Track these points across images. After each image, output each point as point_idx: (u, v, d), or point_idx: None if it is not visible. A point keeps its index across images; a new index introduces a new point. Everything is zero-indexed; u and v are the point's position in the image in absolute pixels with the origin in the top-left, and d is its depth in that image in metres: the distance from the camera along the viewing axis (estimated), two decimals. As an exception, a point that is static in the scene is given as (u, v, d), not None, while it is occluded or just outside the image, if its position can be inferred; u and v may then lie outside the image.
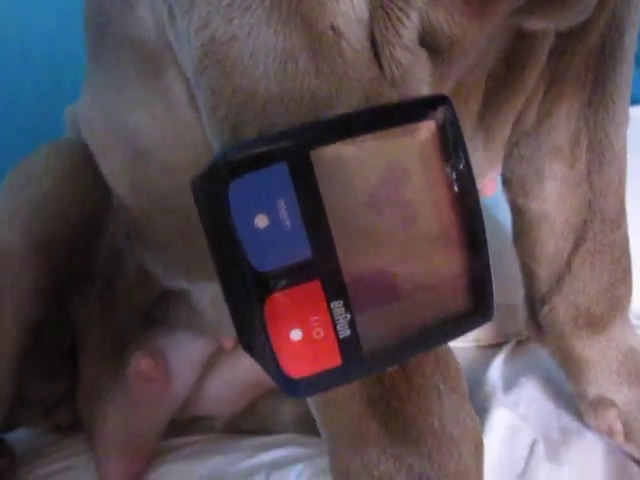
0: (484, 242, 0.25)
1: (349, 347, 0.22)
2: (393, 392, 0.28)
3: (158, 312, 0.55)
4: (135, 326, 0.54)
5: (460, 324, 0.25)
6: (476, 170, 0.40)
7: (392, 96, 0.26)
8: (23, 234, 0.48)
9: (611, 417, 0.47)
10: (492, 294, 0.25)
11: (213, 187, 0.21)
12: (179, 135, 0.40)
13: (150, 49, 0.40)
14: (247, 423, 0.57)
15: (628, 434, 0.47)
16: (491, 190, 0.46)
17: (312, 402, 0.30)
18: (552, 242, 0.46)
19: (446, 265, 0.24)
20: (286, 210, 0.21)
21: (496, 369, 0.57)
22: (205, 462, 0.52)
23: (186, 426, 0.58)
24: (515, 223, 0.48)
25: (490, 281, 0.25)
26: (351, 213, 0.22)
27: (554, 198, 0.44)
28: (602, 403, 0.47)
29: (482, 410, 0.51)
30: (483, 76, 0.36)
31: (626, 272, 0.46)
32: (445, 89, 0.33)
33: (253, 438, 0.56)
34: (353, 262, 0.22)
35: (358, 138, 0.21)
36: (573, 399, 0.50)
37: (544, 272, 0.47)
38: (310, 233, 0.21)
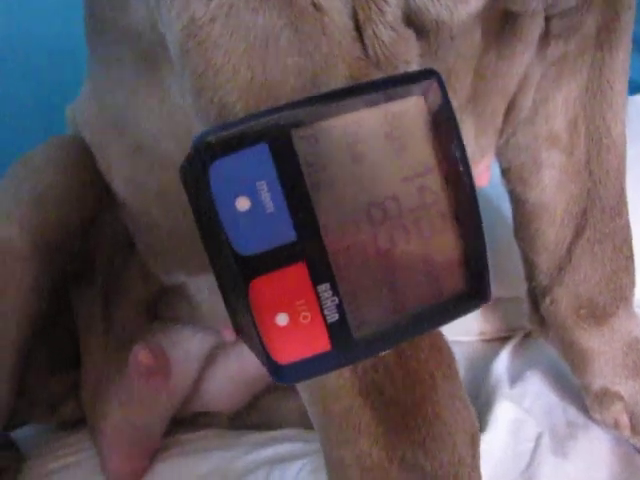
0: (479, 224, 0.24)
1: (338, 332, 0.22)
2: (387, 379, 0.28)
3: (159, 308, 0.55)
4: (136, 322, 0.54)
5: (455, 307, 0.24)
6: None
7: (378, 77, 0.25)
8: (23, 228, 0.48)
9: (617, 410, 0.46)
10: (488, 276, 0.25)
11: (195, 170, 0.21)
12: (175, 127, 0.40)
13: (145, 42, 0.40)
14: (251, 418, 0.57)
15: (635, 427, 0.46)
16: (485, 179, 0.46)
17: (303, 391, 0.30)
18: (552, 232, 0.45)
19: (440, 246, 0.24)
20: (268, 192, 0.20)
21: (501, 363, 0.56)
22: (207, 458, 0.52)
23: (190, 422, 0.57)
24: (515, 214, 0.47)
25: (486, 263, 0.25)
26: (336, 193, 0.22)
27: (553, 187, 0.44)
28: (607, 396, 0.47)
29: (487, 404, 0.51)
30: (472, 63, 0.35)
31: (628, 261, 0.45)
32: None
33: (254, 434, 0.55)
34: (340, 244, 0.22)
35: (341, 116, 0.21)
36: (579, 393, 0.49)
37: (545, 263, 0.46)
38: (293, 215, 0.21)
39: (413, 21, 0.29)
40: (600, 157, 0.43)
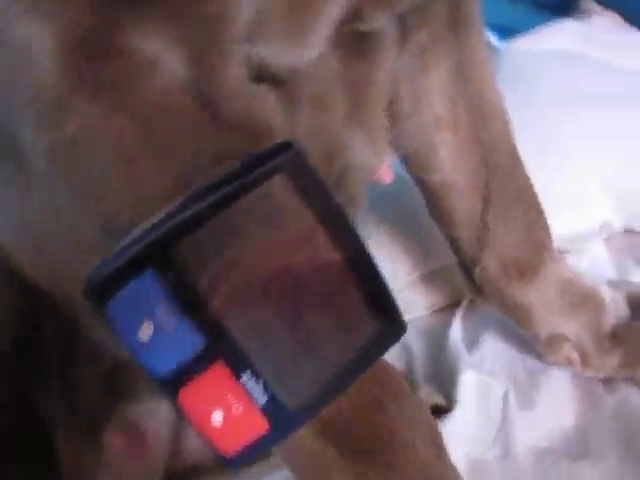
0: (373, 264, 0.26)
1: (273, 411, 0.23)
2: (337, 416, 0.29)
3: (119, 380, 0.55)
4: (101, 398, 0.54)
5: (376, 346, 0.26)
6: (366, 168, 0.42)
7: (241, 145, 0.26)
8: None
9: (566, 349, 0.49)
10: (396, 307, 0.26)
11: (95, 308, 0.21)
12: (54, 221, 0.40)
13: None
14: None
15: (584, 359, 0.49)
16: (389, 177, 0.48)
17: None
18: (462, 207, 0.47)
19: (344, 299, 0.25)
20: (167, 311, 0.21)
21: (456, 330, 0.59)
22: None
23: (183, 475, 0.58)
24: (424, 196, 0.49)
25: (390, 296, 0.26)
26: (231, 285, 0.23)
27: (451, 165, 0.46)
28: (555, 339, 0.50)
29: (450, 375, 0.53)
30: (339, 81, 0.36)
31: (539, 216, 0.47)
32: (304, 107, 0.34)
33: (252, 467, 0.56)
34: (247, 331, 0.23)
35: (212, 220, 0.22)
36: (532, 342, 0.52)
37: (465, 236, 0.48)
38: (196, 324, 0.22)
39: (265, 76, 0.30)
40: (486, 126, 0.46)
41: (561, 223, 0.53)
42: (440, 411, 0.49)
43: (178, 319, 0.21)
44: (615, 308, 0.50)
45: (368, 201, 0.45)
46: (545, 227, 0.48)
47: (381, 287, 0.26)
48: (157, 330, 0.21)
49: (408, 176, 0.51)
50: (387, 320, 0.26)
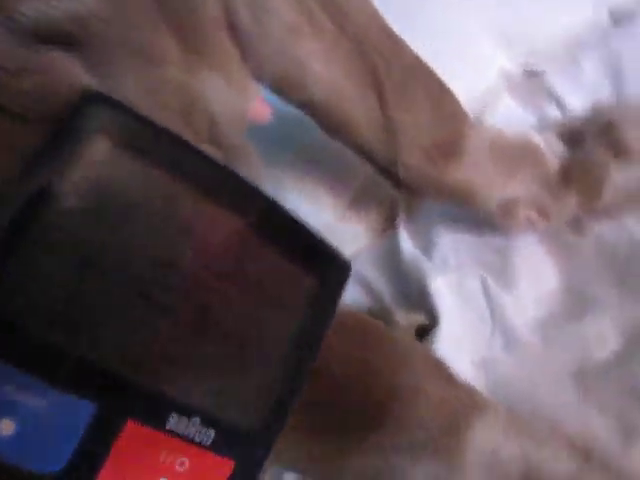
0: (279, 214, 0.20)
1: (227, 443, 0.17)
2: (333, 399, 0.24)
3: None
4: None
5: (325, 302, 0.20)
6: (235, 112, 0.36)
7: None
8: None
9: (522, 211, 0.45)
10: (329, 248, 0.21)
11: None
12: None
13: None
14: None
15: (543, 213, 0.45)
16: (265, 114, 0.41)
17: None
18: (358, 111, 0.41)
19: (260, 273, 0.19)
20: (23, 393, 0.15)
21: (405, 241, 0.54)
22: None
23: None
24: (316, 120, 0.43)
25: (316, 239, 0.21)
26: (103, 312, 0.16)
27: (328, 75, 0.40)
28: (507, 205, 0.45)
29: (420, 289, 0.48)
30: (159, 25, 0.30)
31: (441, 86, 0.42)
32: (122, 64, 0.27)
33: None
34: (150, 365, 0.17)
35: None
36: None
37: (373, 139, 0.43)
38: (71, 389, 0.15)
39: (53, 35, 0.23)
40: (352, 20, 0.40)
41: (461, 87, 0.48)
42: (426, 330, 0.44)
43: (42, 395, 0.15)
44: (551, 149, 0.46)
45: (262, 153, 0.38)
46: (452, 99, 0.43)
47: (303, 236, 0.20)
48: (22, 421, 0.15)
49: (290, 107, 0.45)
50: (326, 267, 0.20)
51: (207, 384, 0.17)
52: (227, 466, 0.17)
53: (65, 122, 0.16)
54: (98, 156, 0.16)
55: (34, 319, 0.14)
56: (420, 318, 0.45)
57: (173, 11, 0.33)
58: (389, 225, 0.59)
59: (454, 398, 0.27)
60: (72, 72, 0.22)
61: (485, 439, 0.27)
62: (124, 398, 0.15)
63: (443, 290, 0.47)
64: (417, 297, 0.48)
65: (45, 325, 0.15)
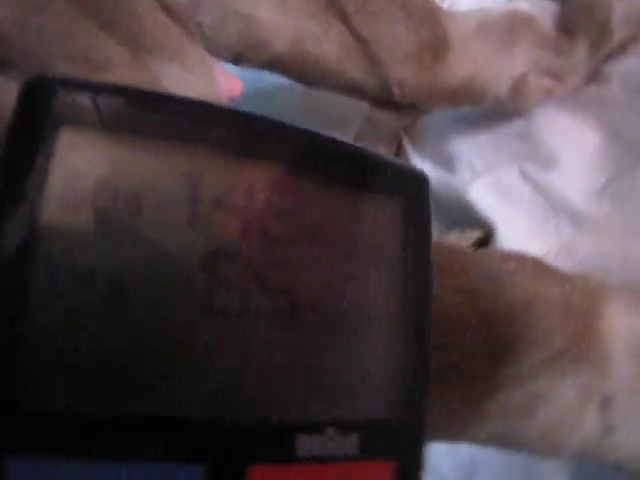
0: (327, 146, 0.16)
1: (374, 442, 0.14)
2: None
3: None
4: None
5: (415, 231, 0.17)
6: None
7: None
8: None
9: (535, 83, 0.41)
10: (394, 162, 0.17)
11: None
12: None
13: None
14: None
15: (557, 76, 0.41)
16: (238, 88, 0.37)
17: None
18: (330, 48, 0.38)
19: (322, 227, 0.16)
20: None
21: (425, 169, 0.50)
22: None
23: None
24: (289, 76, 0.39)
25: (378, 158, 0.17)
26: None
27: (281, 21, 0.36)
28: (519, 84, 0.42)
29: (464, 205, 0.45)
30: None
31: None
32: None
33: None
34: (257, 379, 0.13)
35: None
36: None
37: (355, 70, 0.39)
38: (172, 456, 0.12)
39: None
40: None
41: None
42: (486, 241, 0.41)
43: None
44: (542, 9, 0.42)
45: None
46: (436, 16, 0.39)
47: (360, 158, 0.16)
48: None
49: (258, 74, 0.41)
50: (403, 184, 0.17)
51: (322, 383, 0.13)
52: (387, 468, 0.14)
53: (12, 131, 0.12)
54: (74, 155, 0.12)
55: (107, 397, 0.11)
56: (475, 233, 0.41)
57: (97, 12, 0.29)
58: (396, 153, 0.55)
59: (574, 293, 0.24)
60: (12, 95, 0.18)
61: (618, 323, 0.24)
62: (233, 444, 0.12)
63: (483, 196, 0.43)
64: (460, 215, 0.44)
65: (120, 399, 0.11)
